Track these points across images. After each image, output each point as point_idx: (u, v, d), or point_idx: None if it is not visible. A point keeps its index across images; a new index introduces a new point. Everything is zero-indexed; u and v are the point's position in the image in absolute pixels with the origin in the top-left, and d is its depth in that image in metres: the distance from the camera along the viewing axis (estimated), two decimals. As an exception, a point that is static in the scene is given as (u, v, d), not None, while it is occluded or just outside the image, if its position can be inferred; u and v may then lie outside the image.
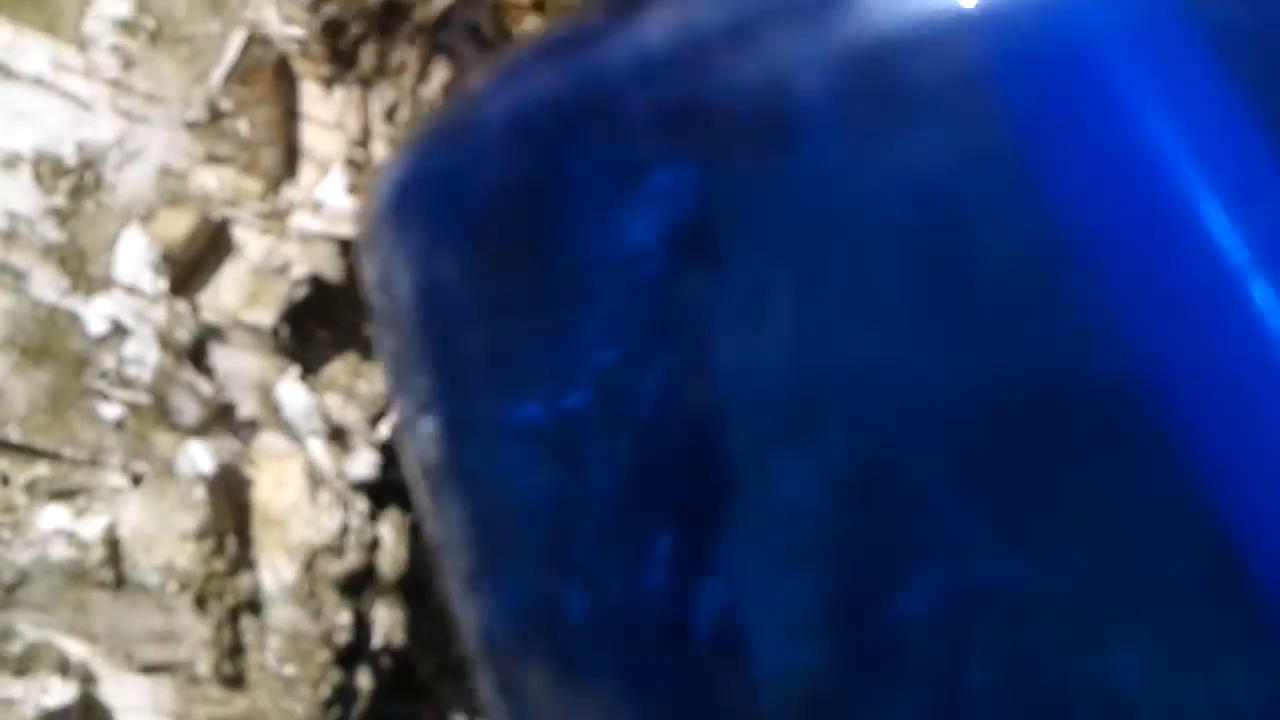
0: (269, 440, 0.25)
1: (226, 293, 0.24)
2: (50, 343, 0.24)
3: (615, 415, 0.20)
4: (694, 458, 0.20)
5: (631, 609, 0.20)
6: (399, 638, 0.25)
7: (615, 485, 0.20)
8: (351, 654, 0.24)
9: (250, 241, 0.25)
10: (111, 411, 0.24)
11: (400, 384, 0.23)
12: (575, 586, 0.21)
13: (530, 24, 0.26)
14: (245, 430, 0.25)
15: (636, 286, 0.20)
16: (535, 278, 0.21)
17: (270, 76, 0.24)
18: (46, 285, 0.24)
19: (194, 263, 0.24)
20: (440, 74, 0.24)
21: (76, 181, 0.24)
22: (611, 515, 0.20)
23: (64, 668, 0.24)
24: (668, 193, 0.19)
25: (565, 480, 0.21)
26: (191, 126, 0.24)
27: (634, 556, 0.20)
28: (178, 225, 0.24)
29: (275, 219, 0.24)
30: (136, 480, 0.24)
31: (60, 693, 0.23)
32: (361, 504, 0.25)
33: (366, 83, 0.25)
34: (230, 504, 0.24)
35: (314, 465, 0.24)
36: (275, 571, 0.24)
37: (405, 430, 0.23)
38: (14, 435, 0.24)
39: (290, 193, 0.24)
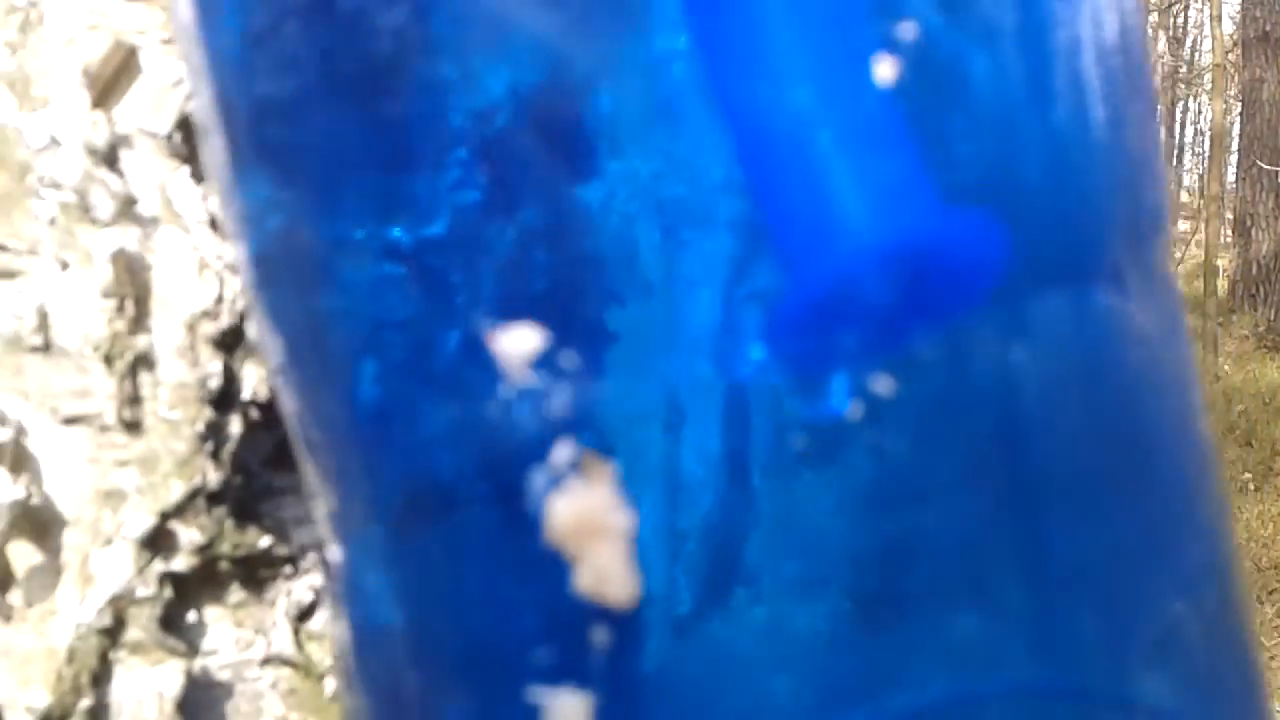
0: (165, 231, 0.29)
1: (134, 106, 0.29)
2: (2, 153, 0.29)
3: (474, 248, 0.22)
4: (551, 294, 0.22)
5: (488, 420, 0.22)
6: (263, 392, 0.28)
7: (475, 307, 0.22)
8: (223, 400, 0.28)
9: (153, 63, 0.29)
10: (46, 210, 0.29)
11: (239, 178, 0.26)
12: (433, 396, 0.23)
13: None
14: (148, 224, 0.29)
15: (493, 137, 0.22)
16: (394, 112, 0.24)
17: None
18: (1, 105, 0.29)
19: (109, 82, 0.29)
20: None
21: (24, 18, 0.29)
22: (472, 334, 0.22)
23: (2, 421, 0.28)
24: (524, 53, 0.21)
25: (429, 297, 0.23)
26: (112, -28, 0.29)
27: (493, 369, 0.22)
28: (97, 50, 0.29)
29: (173, 43, 0.29)
30: (64, 266, 0.29)
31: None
32: (235, 281, 0.28)
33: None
34: (132, 280, 0.28)
35: (198, 248, 0.28)
36: (165, 333, 0.28)
37: (241, 223, 0.26)
38: (-31, 228, 0.29)
39: (189, 22, 0.28)
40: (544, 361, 0.18)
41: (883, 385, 0.17)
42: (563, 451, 0.18)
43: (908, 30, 0.17)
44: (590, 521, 0.17)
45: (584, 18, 0.20)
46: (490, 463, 0.18)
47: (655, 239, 0.20)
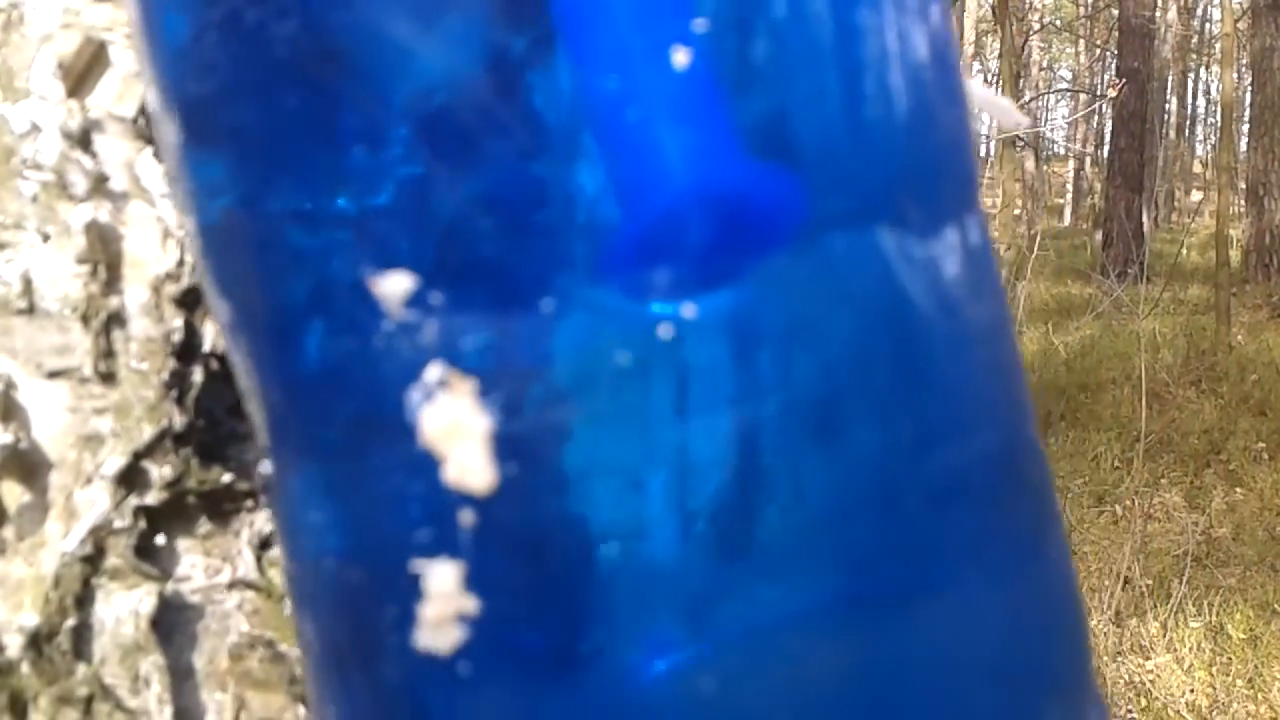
0: (134, 205, 0.32)
1: (104, 95, 0.32)
2: (-13, 138, 0.32)
3: (419, 216, 0.26)
4: (477, 272, 0.25)
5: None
6: (221, 345, 0.32)
7: (419, 264, 0.26)
8: (185, 352, 0.31)
9: (120, 56, 0.32)
10: (29, 189, 0.32)
11: (189, 159, 0.29)
12: (373, 349, 0.27)
13: None
14: (118, 199, 0.32)
15: (432, 115, 0.25)
16: (342, 92, 0.27)
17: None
18: (-16, 96, 0.32)
19: (82, 74, 0.32)
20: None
21: (6, 18, 0.32)
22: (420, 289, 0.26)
23: (-7, 375, 0.32)
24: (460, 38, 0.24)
25: (374, 260, 0.27)
26: (82, -25, 0.32)
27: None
28: (70, 45, 0.32)
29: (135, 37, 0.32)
30: (45, 238, 0.32)
31: (-13, 390, 0.32)
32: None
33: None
34: (104, 248, 0.32)
35: (162, 218, 0.32)
36: (134, 294, 0.32)
37: (191, 199, 0.29)
38: (-40, 206, 0.32)
39: (151, 18, 0.32)
40: (414, 301, 0.21)
41: (688, 310, 0.20)
42: (433, 371, 0.21)
43: (700, 24, 0.20)
44: (454, 426, 0.21)
45: (508, 9, 0.23)
46: (374, 386, 0.22)
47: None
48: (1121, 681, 2.94)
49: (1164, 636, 3.12)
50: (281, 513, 0.27)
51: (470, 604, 0.22)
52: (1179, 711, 2.83)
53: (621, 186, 0.21)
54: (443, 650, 0.22)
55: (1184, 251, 8.86)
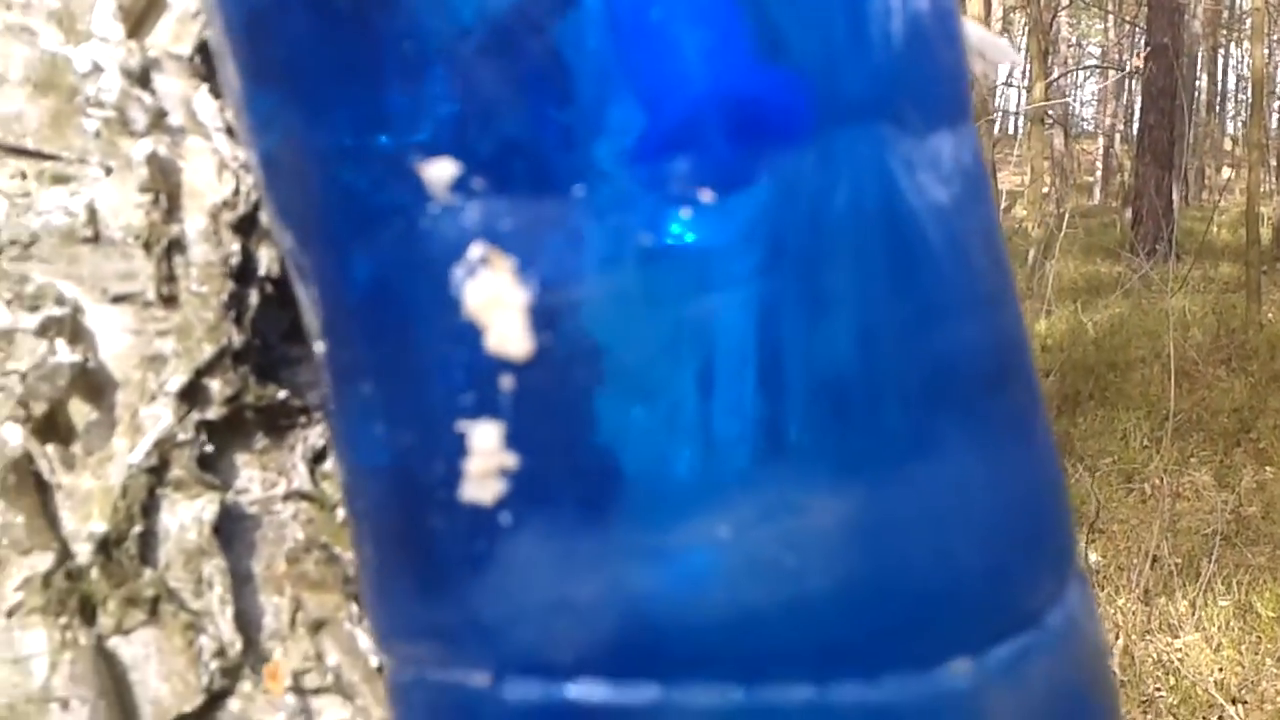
0: (190, 139, 0.34)
1: (161, 34, 0.34)
2: (53, 79, 0.34)
3: (458, 152, 0.28)
4: (515, 160, 0.27)
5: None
6: (276, 269, 0.34)
7: (462, 153, 0.27)
8: (242, 275, 0.34)
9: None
10: (91, 125, 0.34)
11: (247, 94, 0.31)
12: (409, 273, 0.29)
13: None
14: (175, 133, 0.34)
15: (467, 56, 0.27)
16: (383, 33, 0.28)
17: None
18: (51, 39, 0.34)
19: (140, 15, 0.34)
20: None
21: (67, -34, 0.34)
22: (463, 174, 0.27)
23: (61, 301, 0.34)
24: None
25: (411, 194, 0.29)
26: (140, -77, 0.34)
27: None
28: (130, -10, 0.34)
29: (195, -18, 0.34)
30: (108, 171, 0.34)
31: (58, 314, 0.34)
32: (249, 178, 0.34)
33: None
34: (164, 179, 0.34)
35: (218, 150, 0.34)
36: (193, 222, 0.34)
37: (251, 133, 0.31)
38: (30, 144, 0.34)
39: (205, -37, 0.34)
40: (458, 185, 0.24)
41: (706, 196, 0.23)
42: (475, 250, 0.24)
43: None
44: (495, 299, 0.23)
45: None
46: (422, 263, 0.24)
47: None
48: (1150, 660, 2.94)
49: (1192, 615, 3.12)
50: (338, 423, 0.29)
51: (510, 460, 0.24)
52: (1207, 690, 2.83)
53: (644, 89, 0.23)
54: (486, 501, 0.24)
55: (1214, 229, 8.79)
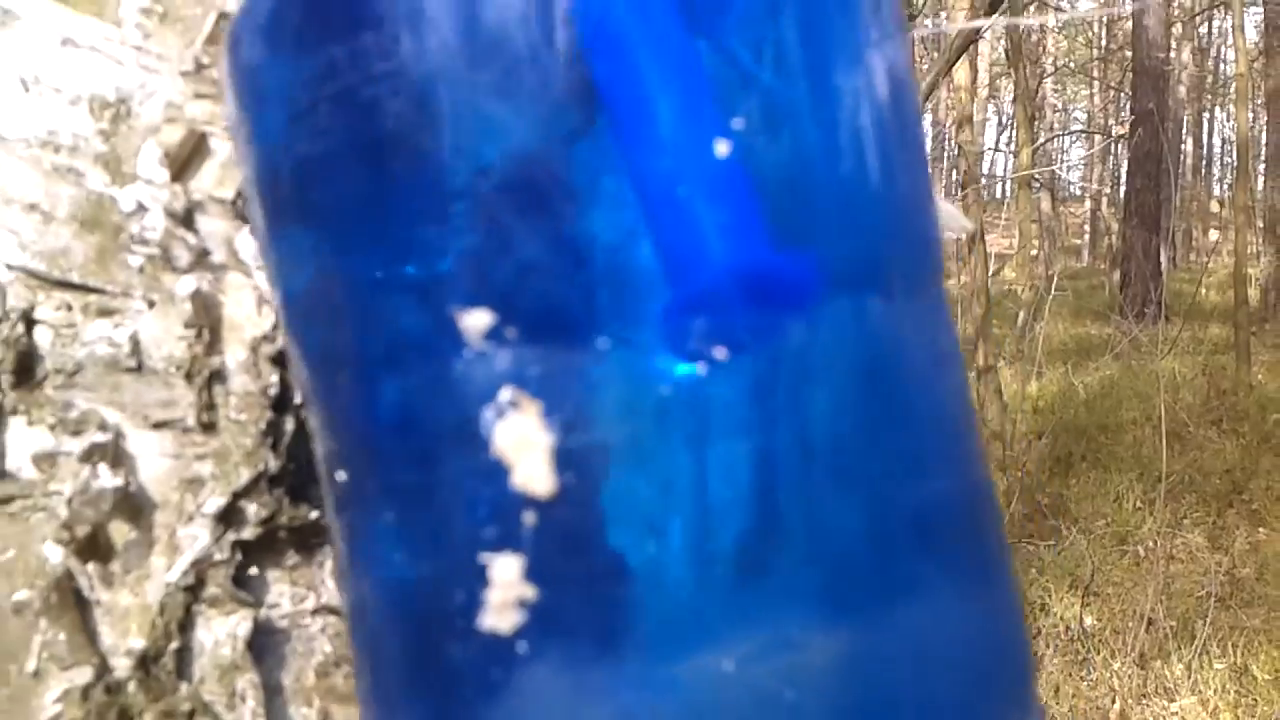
0: (231, 276, 0.37)
1: (205, 179, 0.37)
2: (99, 217, 0.37)
3: (477, 280, 0.30)
4: (546, 314, 0.29)
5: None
6: (309, 399, 0.36)
7: (497, 305, 0.30)
8: (279, 404, 0.36)
9: (219, 146, 0.37)
10: (136, 261, 0.37)
11: (280, 233, 0.33)
12: (439, 409, 0.31)
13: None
14: (217, 270, 0.37)
15: (486, 195, 0.29)
16: (407, 176, 0.31)
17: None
18: (97, 180, 0.37)
19: (185, 161, 0.37)
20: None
21: (115, 112, 0.37)
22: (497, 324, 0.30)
23: (104, 426, 0.36)
24: (504, 129, 0.29)
25: (436, 320, 0.31)
26: (184, 75, 0.37)
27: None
28: (175, 137, 0.37)
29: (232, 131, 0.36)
30: (151, 304, 0.36)
31: (101, 440, 0.36)
32: (286, 312, 0.36)
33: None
34: (206, 313, 0.36)
35: (258, 287, 0.36)
36: (234, 354, 0.36)
37: (279, 270, 0.33)
38: (75, 277, 0.37)
39: (246, 112, 0.36)
40: (492, 334, 0.26)
41: (720, 353, 0.25)
42: (505, 394, 0.26)
43: (738, 123, 0.25)
44: (522, 440, 0.26)
45: (548, 107, 0.27)
46: (455, 404, 0.26)
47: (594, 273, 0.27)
48: (1147, 724, 2.94)
49: (1188, 678, 3.11)
50: (351, 549, 0.31)
51: (529, 591, 0.26)
52: (1206, 754, 2.82)
53: (668, 259, 0.25)
54: (504, 630, 0.26)
55: (1202, 291, 8.86)
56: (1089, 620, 3.42)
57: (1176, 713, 3.03)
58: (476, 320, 0.27)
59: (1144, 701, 3.06)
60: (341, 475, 0.31)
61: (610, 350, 0.26)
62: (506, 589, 0.26)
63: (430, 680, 0.28)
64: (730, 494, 0.25)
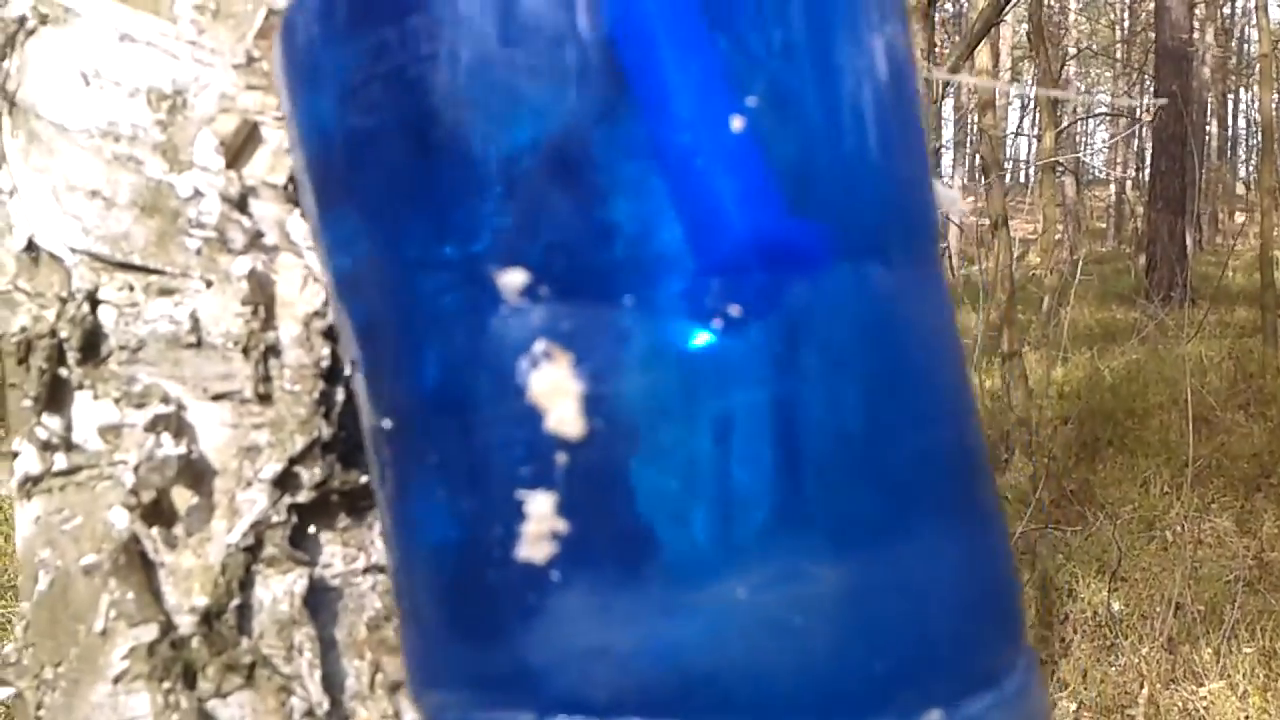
0: (284, 256, 0.39)
1: (258, 165, 0.39)
2: (158, 203, 0.39)
3: (510, 258, 0.32)
4: (577, 276, 0.32)
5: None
6: (359, 370, 0.38)
7: (532, 265, 0.32)
8: (330, 376, 0.38)
9: (270, 134, 0.39)
10: (193, 244, 0.39)
11: (329, 217, 0.35)
12: (478, 363, 0.33)
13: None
14: (270, 251, 0.39)
15: (520, 175, 0.32)
16: (444, 159, 0.33)
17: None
18: (155, 168, 0.39)
19: (239, 149, 0.39)
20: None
21: (172, 104, 0.39)
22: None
23: (166, 399, 0.39)
24: (540, 112, 0.31)
25: (472, 297, 0.33)
26: (236, 68, 0.39)
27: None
28: (229, 126, 0.39)
29: (284, 119, 0.39)
30: (208, 284, 0.39)
31: (164, 411, 0.38)
32: (335, 289, 0.38)
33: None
34: (261, 291, 0.38)
35: (309, 266, 0.39)
36: (287, 329, 0.38)
37: (328, 251, 0.35)
38: (137, 260, 0.39)
39: (294, 101, 0.38)
40: (527, 291, 0.28)
41: (735, 311, 0.27)
42: (539, 345, 0.28)
43: (751, 101, 0.27)
44: (555, 387, 0.28)
45: (581, 86, 0.29)
46: (493, 355, 0.29)
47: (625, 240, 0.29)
48: (1175, 709, 2.94)
49: (1217, 663, 3.11)
50: (395, 491, 0.33)
51: (561, 525, 0.29)
52: (1235, 738, 2.83)
53: (690, 227, 0.27)
54: (538, 560, 0.29)
55: (1228, 274, 8.81)
56: (1116, 605, 3.42)
57: (1205, 697, 3.03)
58: (512, 279, 0.29)
59: (1172, 686, 3.06)
60: (388, 423, 0.33)
61: (635, 308, 0.28)
62: (540, 522, 0.29)
63: (470, 607, 0.30)
64: (747, 441, 0.28)
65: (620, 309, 0.28)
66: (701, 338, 0.28)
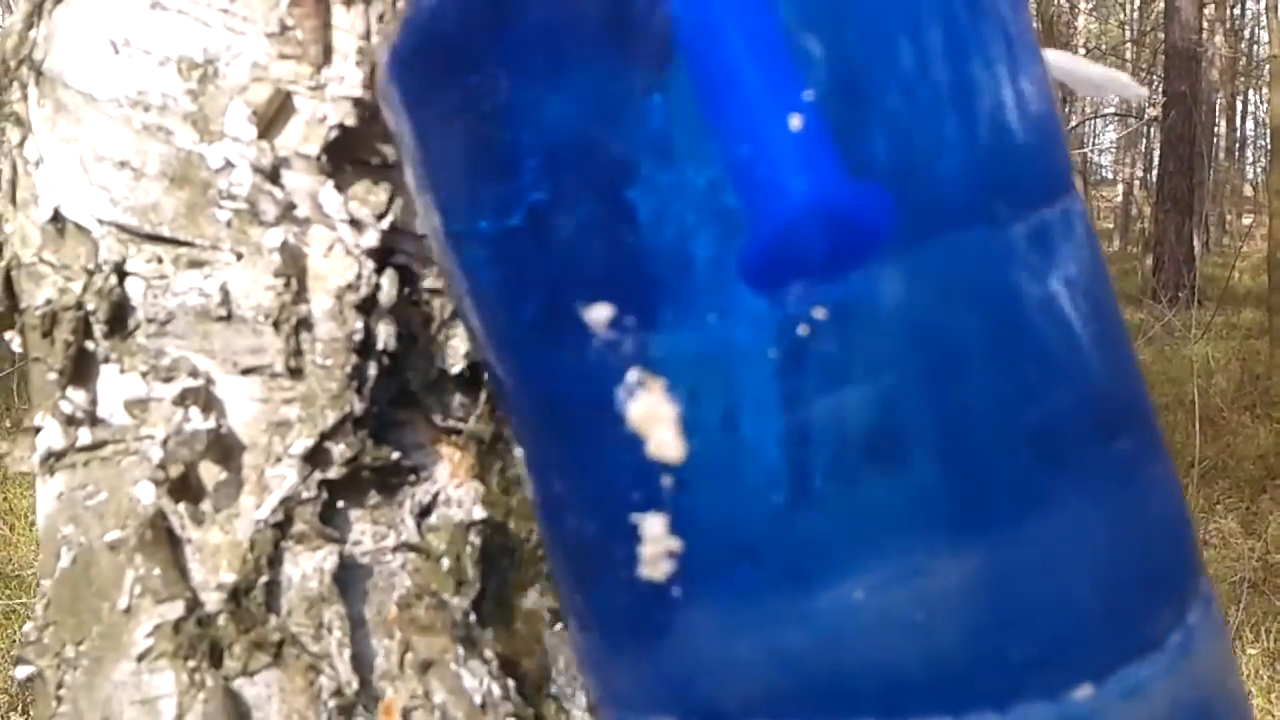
0: (316, 229, 0.38)
1: (290, 136, 0.38)
2: (188, 174, 0.38)
3: (543, 234, 0.32)
4: (608, 267, 0.31)
5: (554, 376, 0.32)
6: (393, 344, 0.37)
7: (546, 278, 0.31)
8: (362, 350, 0.37)
9: (304, 104, 0.38)
10: (224, 215, 0.38)
11: (420, 195, 0.35)
12: (512, 362, 0.33)
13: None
14: (302, 223, 0.38)
15: (557, 147, 0.31)
16: (486, 134, 0.32)
17: (313, 2, 0.38)
18: (185, 138, 0.38)
19: (271, 119, 0.38)
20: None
21: (203, 73, 0.38)
22: (543, 302, 0.32)
23: (194, 373, 0.38)
24: (581, 84, 0.30)
25: (508, 273, 0.33)
26: (269, 36, 0.38)
27: (562, 332, 0.32)
28: (261, 96, 0.38)
29: (318, 89, 0.38)
30: (239, 256, 0.38)
31: (192, 385, 0.38)
32: (370, 262, 0.38)
33: (368, 1, 0.38)
34: (293, 264, 0.38)
35: (341, 239, 0.38)
36: (319, 302, 0.38)
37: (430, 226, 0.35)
38: (166, 231, 0.38)
39: (326, 73, 0.38)
40: (614, 324, 0.28)
41: (820, 314, 0.27)
42: (633, 375, 0.28)
43: (820, 69, 0.26)
44: (651, 414, 0.28)
45: (627, 55, 0.29)
46: (591, 386, 0.29)
47: (682, 228, 0.29)
48: (1179, 709, 2.93)
49: (1222, 663, 3.10)
50: (535, 489, 0.33)
51: (676, 544, 0.29)
52: (1239, 739, 2.81)
53: (750, 202, 0.26)
54: (659, 579, 0.30)
55: (1236, 275, 8.78)
56: (1121, 605, 3.41)
57: (1209, 697, 3.02)
58: (598, 314, 0.29)
59: (1176, 686, 3.04)
60: (519, 452, 0.35)
61: (719, 323, 0.28)
62: (656, 543, 0.30)
63: (616, 625, 0.32)
64: (850, 432, 0.27)
65: (704, 327, 0.28)
66: (790, 344, 0.27)
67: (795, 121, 0.26)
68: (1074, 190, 0.32)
